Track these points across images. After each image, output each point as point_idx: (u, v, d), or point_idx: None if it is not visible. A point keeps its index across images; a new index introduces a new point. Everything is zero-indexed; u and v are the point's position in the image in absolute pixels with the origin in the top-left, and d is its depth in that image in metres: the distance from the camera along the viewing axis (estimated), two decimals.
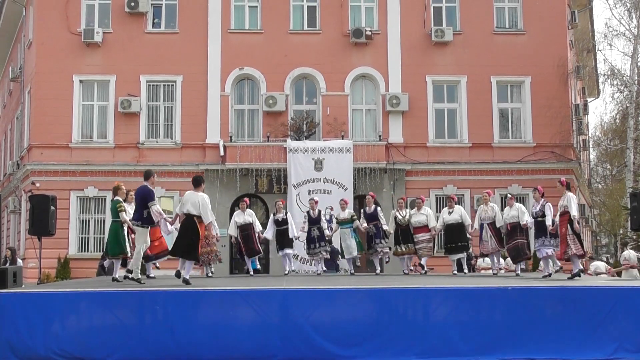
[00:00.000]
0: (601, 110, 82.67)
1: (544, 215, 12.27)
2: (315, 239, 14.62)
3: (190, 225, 10.61)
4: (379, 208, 14.93)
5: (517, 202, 13.87)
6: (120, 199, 11.70)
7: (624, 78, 24.55)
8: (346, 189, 20.81)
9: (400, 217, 14.70)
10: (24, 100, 24.60)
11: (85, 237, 21.93)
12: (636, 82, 24.32)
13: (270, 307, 9.16)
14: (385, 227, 14.68)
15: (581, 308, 9.18)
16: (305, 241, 14.90)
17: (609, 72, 24.86)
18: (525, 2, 23.04)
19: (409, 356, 8.98)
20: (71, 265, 20.94)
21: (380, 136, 22.28)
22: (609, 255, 36.14)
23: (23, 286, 10.68)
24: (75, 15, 22.47)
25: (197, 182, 10.90)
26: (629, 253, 16.56)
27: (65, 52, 22.27)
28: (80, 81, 22.39)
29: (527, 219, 12.96)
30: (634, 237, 21.83)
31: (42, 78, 22.27)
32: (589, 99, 32.10)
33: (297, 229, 15.08)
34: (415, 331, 9.09)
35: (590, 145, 31.93)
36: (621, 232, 31.44)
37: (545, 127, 22.09)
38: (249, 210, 14.56)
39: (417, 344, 9.03)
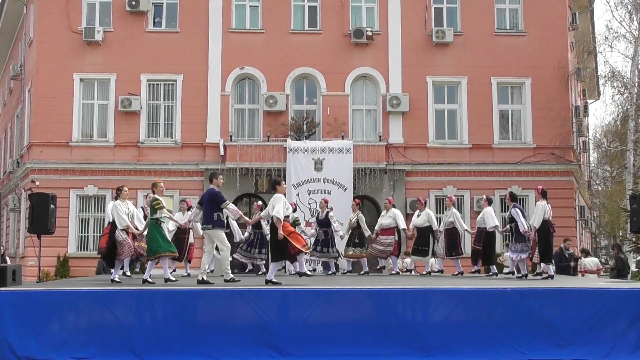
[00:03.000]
0: (601, 112, 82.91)
1: (512, 221, 12.53)
2: (254, 243, 14.30)
3: (271, 228, 10.86)
4: (331, 213, 14.85)
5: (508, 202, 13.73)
6: (157, 196, 11.35)
7: (625, 80, 24.54)
8: (346, 190, 20.82)
9: (352, 220, 14.78)
10: (24, 98, 24.61)
11: (84, 236, 21.95)
12: (636, 84, 24.31)
13: (270, 307, 9.17)
14: (341, 234, 14.76)
15: (578, 309, 9.21)
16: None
17: (609, 74, 24.85)
18: (526, 3, 23.05)
19: (408, 356, 8.99)
20: (70, 264, 20.98)
21: (380, 137, 22.28)
22: (607, 257, 36.15)
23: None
24: (76, 13, 22.48)
25: (272, 185, 11.18)
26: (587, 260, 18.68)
27: (65, 50, 22.28)
28: (81, 80, 22.40)
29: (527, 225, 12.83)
30: (633, 239, 21.83)
31: (42, 76, 22.28)
32: (589, 101, 32.11)
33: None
34: (414, 332, 9.10)
35: (590, 147, 31.91)
36: (620, 234, 31.44)
37: (545, 128, 22.10)
38: (188, 213, 13.82)
39: (416, 344, 9.04)
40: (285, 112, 22.19)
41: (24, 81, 24.84)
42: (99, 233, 21.55)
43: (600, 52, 25.72)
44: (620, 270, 17.44)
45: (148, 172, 21.53)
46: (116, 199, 12.03)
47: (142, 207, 13.47)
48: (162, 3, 22.89)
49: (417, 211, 14.90)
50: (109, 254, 11.77)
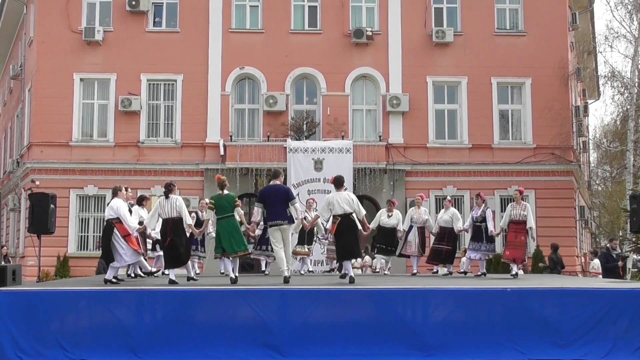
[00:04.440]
0: (601, 112, 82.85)
1: (482, 220, 13.12)
2: (198, 241, 13.60)
3: (346, 224, 10.94)
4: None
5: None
6: (231, 193, 11.10)
7: (625, 80, 24.54)
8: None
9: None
10: (24, 98, 24.61)
11: (84, 236, 21.95)
12: (636, 84, 24.31)
13: (270, 307, 9.17)
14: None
15: (578, 309, 9.22)
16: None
17: (609, 74, 24.84)
18: (526, 3, 23.05)
19: (408, 356, 9.00)
20: (70, 264, 20.96)
21: (380, 136, 22.29)
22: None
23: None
24: (76, 13, 22.49)
25: (340, 183, 11.38)
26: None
27: (66, 50, 22.29)
28: (81, 79, 22.41)
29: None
30: (633, 239, 21.83)
31: (42, 76, 22.28)
32: (589, 101, 32.09)
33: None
34: (414, 332, 9.10)
35: (590, 147, 31.91)
36: (620, 234, 31.45)
37: (545, 128, 22.10)
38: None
39: (415, 344, 9.05)
40: (285, 112, 22.19)
41: (24, 81, 24.83)
42: (99, 233, 21.49)
43: (600, 52, 25.77)
44: (552, 269, 17.68)
45: (148, 172, 21.60)
46: (166, 196, 10.92)
47: (195, 212, 13.45)
48: (162, 3, 22.89)
49: (387, 212, 14.88)
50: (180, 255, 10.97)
